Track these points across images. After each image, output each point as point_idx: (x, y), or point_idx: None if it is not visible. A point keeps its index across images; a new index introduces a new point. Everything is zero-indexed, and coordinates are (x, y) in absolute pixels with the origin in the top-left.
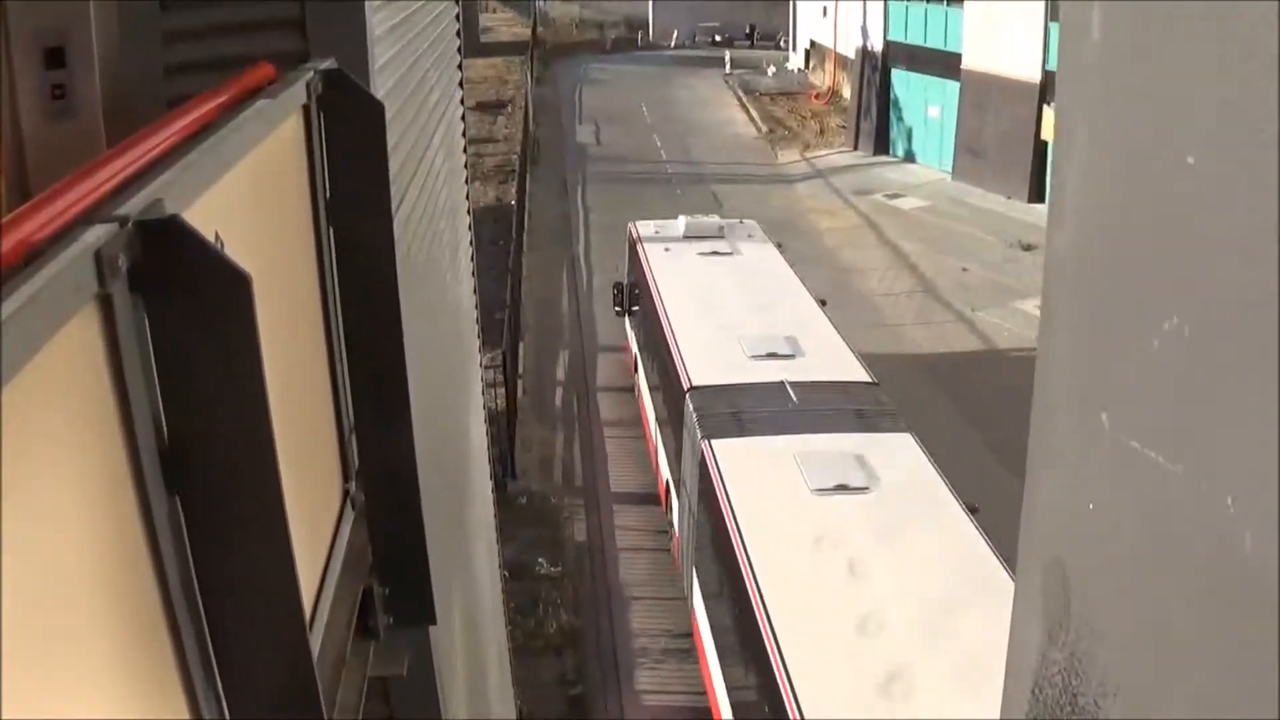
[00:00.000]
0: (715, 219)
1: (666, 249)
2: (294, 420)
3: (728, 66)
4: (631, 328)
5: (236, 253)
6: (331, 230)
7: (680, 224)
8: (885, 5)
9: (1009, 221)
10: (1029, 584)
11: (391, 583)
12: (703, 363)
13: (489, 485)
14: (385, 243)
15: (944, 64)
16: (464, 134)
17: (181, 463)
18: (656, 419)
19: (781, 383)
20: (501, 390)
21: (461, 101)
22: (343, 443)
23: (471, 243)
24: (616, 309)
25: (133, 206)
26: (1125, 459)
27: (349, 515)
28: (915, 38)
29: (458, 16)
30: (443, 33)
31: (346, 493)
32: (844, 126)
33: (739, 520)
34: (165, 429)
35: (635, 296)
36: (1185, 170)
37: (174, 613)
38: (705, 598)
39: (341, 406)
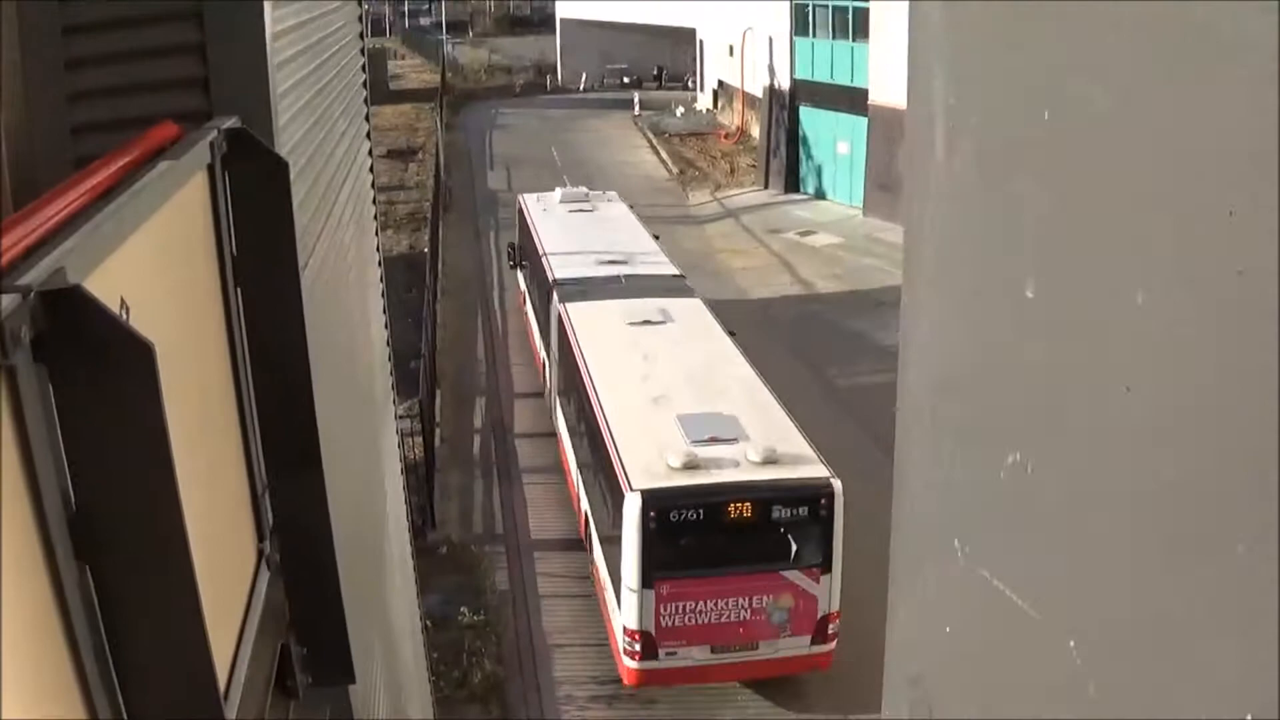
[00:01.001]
0: (583, 189)
1: (545, 209)
2: (205, 481)
3: (636, 108)
4: (521, 274)
5: (142, 316)
6: (239, 289)
7: (557, 194)
8: (791, 43)
9: None
10: (895, 696)
11: (309, 641)
12: (564, 267)
13: (407, 536)
14: (293, 300)
15: (851, 100)
16: (373, 184)
17: (90, 531)
18: (536, 322)
19: (618, 275)
20: (419, 439)
21: (370, 152)
22: (256, 502)
23: (383, 293)
24: (510, 264)
25: (36, 275)
26: (978, 588)
27: (264, 574)
28: (822, 74)
29: (364, 67)
30: (348, 84)
31: (261, 552)
32: (754, 165)
33: (581, 345)
34: (73, 497)
35: (523, 251)
36: (1024, 304)
37: (87, 682)
38: (561, 404)
39: (254, 465)
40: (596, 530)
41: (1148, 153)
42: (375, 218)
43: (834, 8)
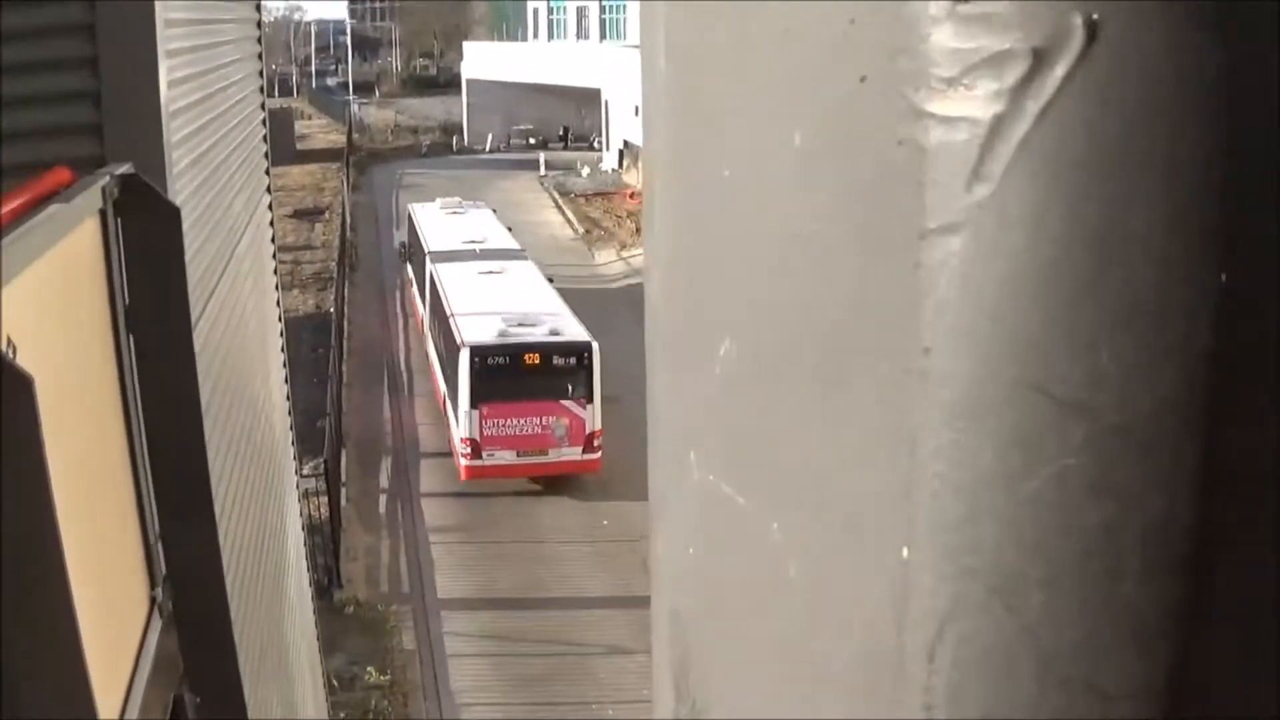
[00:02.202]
0: (457, 199)
1: (428, 214)
2: (93, 525)
3: (543, 168)
4: (410, 264)
5: (29, 357)
6: (131, 337)
7: (438, 203)
8: None
9: None
10: (660, 637)
11: (203, 690)
12: (438, 247)
13: (309, 594)
14: (185, 349)
15: None
16: (273, 240)
17: None
18: (417, 290)
19: (474, 248)
20: (325, 499)
21: (270, 207)
22: (149, 549)
23: (283, 349)
24: (400, 257)
25: None
26: (708, 497)
27: (157, 622)
28: None
29: (264, 121)
30: (248, 137)
31: (154, 600)
32: None
33: (444, 287)
34: None
35: (410, 246)
36: (722, 184)
37: None
38: (431, 333)
39: (146, 514)
40: (447, 390)
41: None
42: (276, 273)
43: None
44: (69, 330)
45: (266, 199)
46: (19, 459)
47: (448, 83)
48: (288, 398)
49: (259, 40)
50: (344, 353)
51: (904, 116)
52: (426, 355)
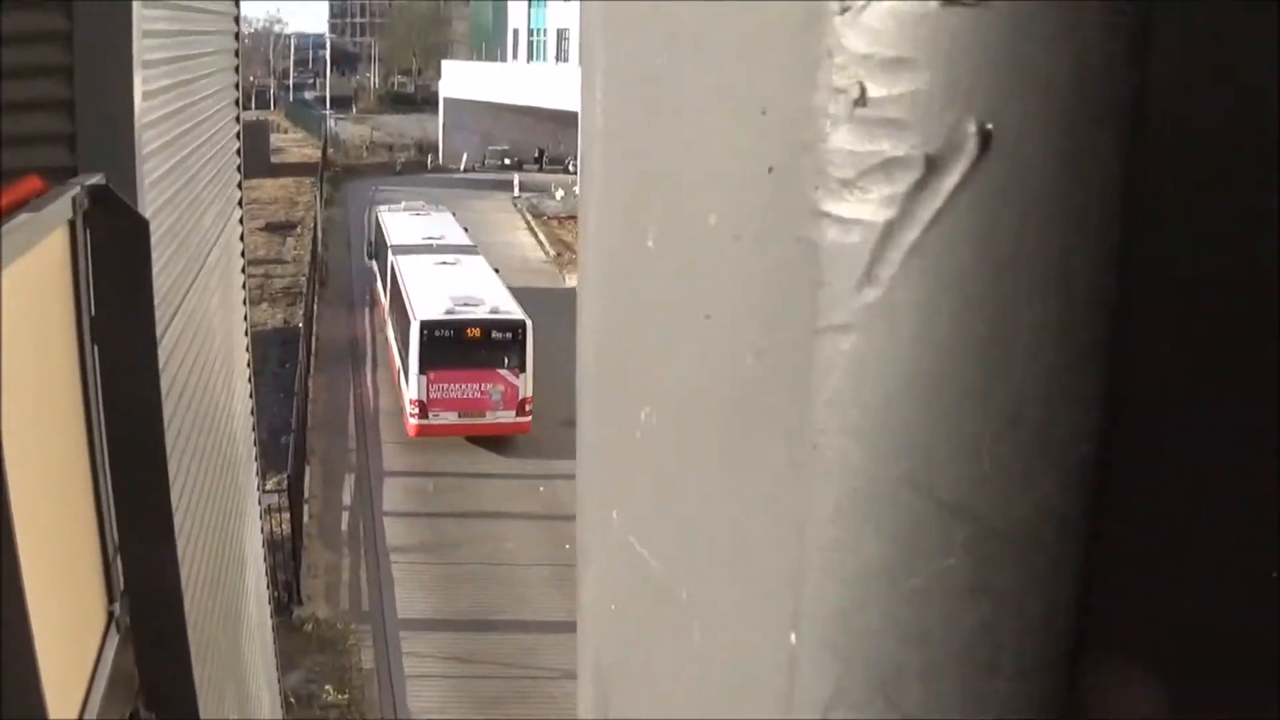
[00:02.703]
0: (421, 202)
1: (393, 215)
2: (51, 538)
3: (516, 189)
4: (375, 262)
5: None
6: (96, 349)
7: (402, 205)
8: None
9: None
10: (584, 680)
11: (157, 707)
12: (400, 241)
13: (268, 611)
14: (150, 363)
15: None
16: (243, 253)
17: None
18: (380, 282)
19: (432, 243)
20: (287, 515)
21: (241, 221)
22: (107, 563)
23: (249, 364)
24: (368, 257)
25: None
26: (627, 556)
27: (113, 637)
28: None
29: (238, 135)
30: (221, 151)
31: (111, 614)
32: None
33: (402, 275)
34: None
35: (376, 245)
36: (646, 254)
37: None
38: (390, 316)
39: (105, 527)
40: (400, 362)
41: (710, 89)
42: (245, 287)
43: None
44: (33, 340)
45: (238, 212)
46: None
47: (425, 101)
48: (252, 412)
49: (236, 53)
50: (310, 368)
51: (804, 213)
52: (389, 351)
